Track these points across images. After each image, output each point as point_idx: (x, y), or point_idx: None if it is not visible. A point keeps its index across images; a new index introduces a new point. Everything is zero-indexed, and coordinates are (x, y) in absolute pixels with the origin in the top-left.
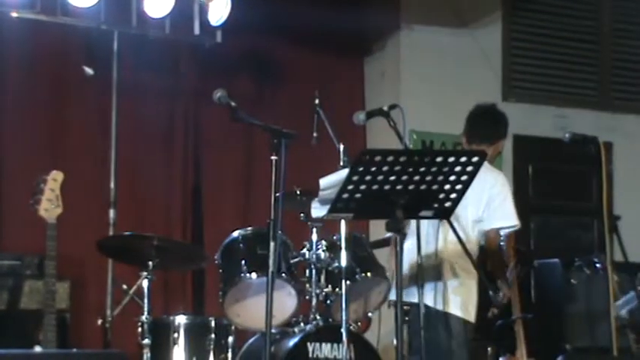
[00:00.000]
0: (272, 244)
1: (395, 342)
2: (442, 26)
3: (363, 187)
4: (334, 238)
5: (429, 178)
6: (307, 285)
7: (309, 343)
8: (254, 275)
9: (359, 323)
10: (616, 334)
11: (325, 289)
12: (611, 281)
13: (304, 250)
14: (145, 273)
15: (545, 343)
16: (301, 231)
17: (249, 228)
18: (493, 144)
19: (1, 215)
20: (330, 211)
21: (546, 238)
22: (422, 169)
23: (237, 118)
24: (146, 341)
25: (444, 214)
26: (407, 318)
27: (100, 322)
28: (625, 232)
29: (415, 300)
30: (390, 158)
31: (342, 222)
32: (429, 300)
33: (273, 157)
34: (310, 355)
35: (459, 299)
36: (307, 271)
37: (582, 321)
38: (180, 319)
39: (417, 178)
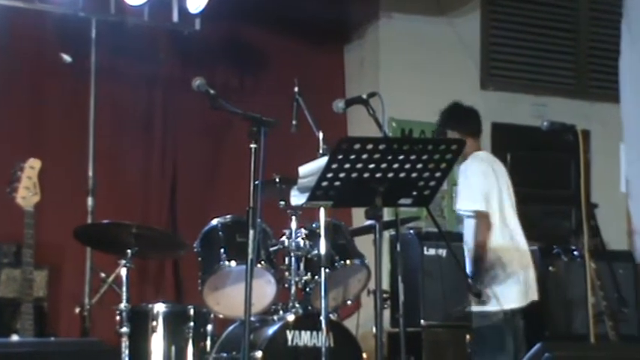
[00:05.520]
0: (251, 231)
1: (374, 330)
2: (421, 14)
3: (342, 174)
4: (314, 225)
5: (407, 166)
6: (287, 273)
7: (288, 331)
8: (233, 263)
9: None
10: (593, 322)
11: (304, 277)
12: (588, 269)
13: (284, 238)
14: (123, 261)
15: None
16: (281, 219)
17: (228, 216)
18: None
19: None
20: (310, 198)
21: (525, 226)
22: (401, 157)
23: (217, 106)
24: (124, 329)
25: (423, 202)
26: None
27: (78, 310)
28: (602, 219)
29: None
30: (370, 146)
31: (322, 210)
32: None
33: (253, 145)
34: (289, 343)
35: None
36: (287, 259)
37: (560, 309)
38: (159, 307)
39: (396, 166)
